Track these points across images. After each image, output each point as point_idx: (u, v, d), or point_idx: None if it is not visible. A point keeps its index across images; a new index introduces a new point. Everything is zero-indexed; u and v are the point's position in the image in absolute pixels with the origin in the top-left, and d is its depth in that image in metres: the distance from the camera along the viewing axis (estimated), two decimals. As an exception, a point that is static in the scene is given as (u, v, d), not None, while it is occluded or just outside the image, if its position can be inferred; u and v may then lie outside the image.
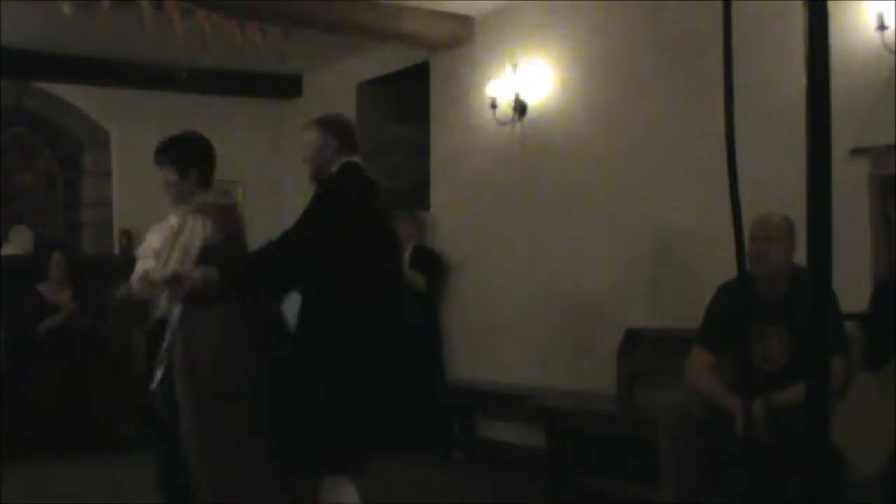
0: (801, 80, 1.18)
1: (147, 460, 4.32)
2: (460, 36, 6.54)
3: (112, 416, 6.79)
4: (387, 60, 7.32)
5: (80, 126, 7.94)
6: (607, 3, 5.58)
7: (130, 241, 7.87)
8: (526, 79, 6.03)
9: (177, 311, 3.66)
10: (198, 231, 3.62)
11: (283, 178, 8.21)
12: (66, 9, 5.53)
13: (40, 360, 6.61)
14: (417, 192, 7.18)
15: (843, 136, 3.85)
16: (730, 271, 3.33)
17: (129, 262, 7.76)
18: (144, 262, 3.85)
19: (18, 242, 7.50)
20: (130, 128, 7.96)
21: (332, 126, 3.90)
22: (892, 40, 4.15)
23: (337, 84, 7.92)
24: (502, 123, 6.14)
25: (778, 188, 3.95)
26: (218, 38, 5.88)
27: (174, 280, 3.54)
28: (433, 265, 6.61)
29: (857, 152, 4.19)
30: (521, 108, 6.03)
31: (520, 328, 6.13)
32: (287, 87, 8.39)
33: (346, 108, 7.76)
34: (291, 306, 3.80)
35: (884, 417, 3.07)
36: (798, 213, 1.28)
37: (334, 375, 3.56)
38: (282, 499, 3.62)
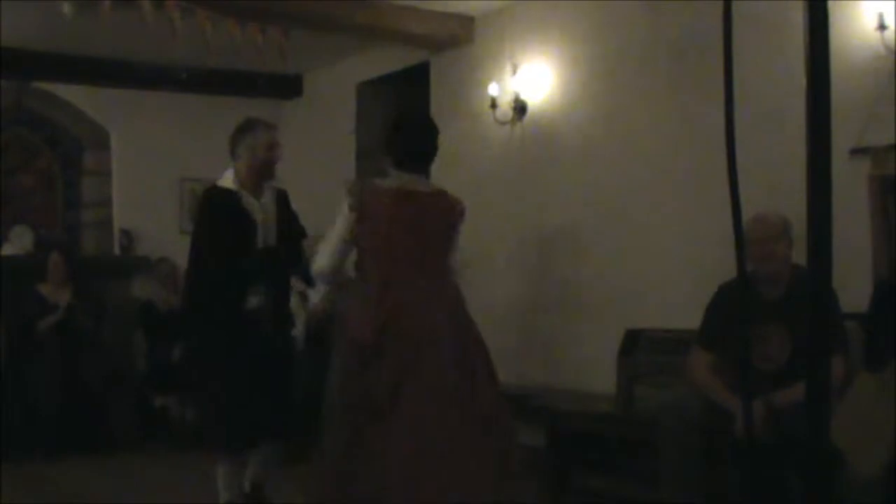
0: (801, 80, 1.18)
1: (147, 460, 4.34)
2: (460, 36, 6.53)
3: (112, 416, 6.80)
4: (387, 60, 7.32)
5: (80, 126, 7.93)
6: (607, 3, 5.58)
7: (130, 241, 7.88)
8: (526, 79, 6.03)
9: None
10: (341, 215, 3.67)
11: (282, 177, 8.19)
12: (66, 9, 5.54)
13: (40, 359, 6.61)
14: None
15: (843, 136, 3.85)
16: (729, 271, 3.33)
17: (129, 261, 7.82)
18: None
19: (18, 242, 7.50)
20: (130, 128, 7.97)
21: None
22: (892, 40, 4.15)
23: (337, 84, 7.92)
24: (502, 123, 6.13)
25: (778, 188, 3.95)
26: (218, 38, 5.88)
27: None
28: None
29: (857, 152, 4.19)
30: (521, 108, 6.03)
31: (520, 328, 6.13)
32: (287, 87, 8.39)
33: (346, 108, 7.77)
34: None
35: (884, 417, 3.07)
36: (798, 213, 1.28)
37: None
38: None
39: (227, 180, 4.29)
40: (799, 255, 3.60)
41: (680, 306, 4.85)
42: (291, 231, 4.44)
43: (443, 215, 3.74)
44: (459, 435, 3.39)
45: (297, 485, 4.65)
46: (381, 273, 3.55)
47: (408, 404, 3.33)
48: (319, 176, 8.09)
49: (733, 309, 3.66)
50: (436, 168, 6.92)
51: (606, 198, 5.57)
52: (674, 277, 5.13)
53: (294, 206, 4.68)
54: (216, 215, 4.22)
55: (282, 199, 4.46)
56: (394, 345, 3.42)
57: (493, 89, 6.14)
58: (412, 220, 3.63)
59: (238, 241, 4.16)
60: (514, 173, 6.19)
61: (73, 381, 6.63)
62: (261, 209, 4.28)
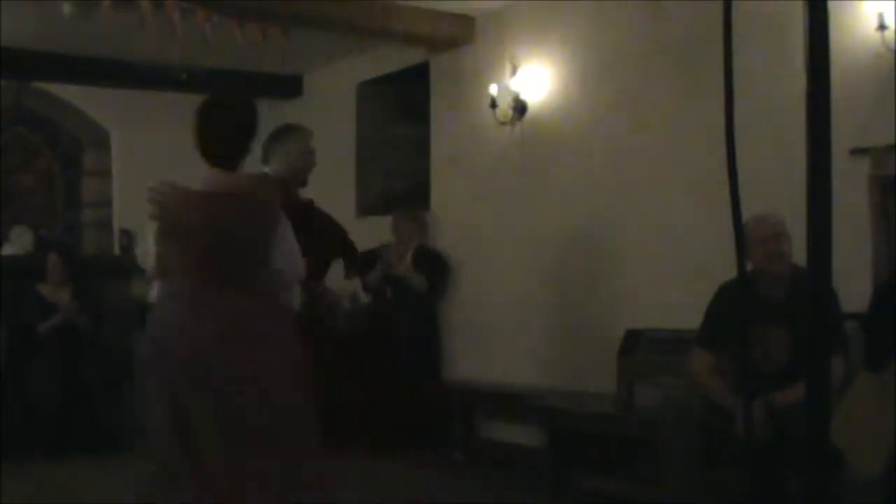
0: (801, 80, 1.18)
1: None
2: (460, 36, 6.53)
3: (112, 416, 6.80)
4: (387, 60, 7.32)
5: (80, 126, 7.93)
6: (607, 3, 5.58)
7: (130, 241, 7.87)
8: (526, 79, 6.03)
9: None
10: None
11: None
12: (66, 9, 5.54)
13: (40, 360, 6.62)
14: (417, 192, 7.19)
15: (843, 136, 3.85)
16: (730, 271, 3.33)
17: (129, 262, 7.81)
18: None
19: (18, 242, 7.50)
20: (130, 128, 7.96)
21: None
22: (892, 40, 4.15)
23: (337, 84, 7.92)
24: (502, 123, 6.13)
25: (778, 188, 3.95)
26: (218, 38, 5.88)
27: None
28: (438, 266, 6.60)
29: (857, 152, 4.19)
30: (521, 108, 6.03)
31: (520, 328, 6.13)
32: (287, 87, 8.39)
33: (346, 108, 7.77)
34: None
35: (884, 417, 3.07)
36: (798, 213, 1.28)
37: None
38: None
39: None
40: (799, 255, 3.60)
41: (680, 306, 4.85)
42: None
43: (243, 220, 3.19)
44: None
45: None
46: (165, 286, 3.18)
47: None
48: (319, 176, 8.08)
49: (733, 309, 3.66)
50: (435, 168, 6.98)
51: (606, 198, 5.57)
52: (674, 277, 5.12)
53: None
54: None
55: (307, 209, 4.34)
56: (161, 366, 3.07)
57: (493, 89, 6.14)
58: (199, 228, 3.12)
59: None
60: (513, 173, 6.19)
61: (73, 381, 6.63)
62: None
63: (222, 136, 3.19)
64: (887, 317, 3.34)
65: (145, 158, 7.94)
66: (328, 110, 7.99)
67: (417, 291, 6.49)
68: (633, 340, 5.11)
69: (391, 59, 7.25)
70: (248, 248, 3.15)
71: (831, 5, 1.17)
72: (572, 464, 5.08)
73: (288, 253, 3.22)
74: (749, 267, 3.78)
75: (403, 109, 7.69)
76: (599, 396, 5.25)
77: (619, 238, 5.48)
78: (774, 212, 3.76)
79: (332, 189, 7.86)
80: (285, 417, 3.06)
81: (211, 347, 3.01)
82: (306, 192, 4.53)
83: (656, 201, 5.28)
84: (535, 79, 6.00)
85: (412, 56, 6.99)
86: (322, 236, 4.24)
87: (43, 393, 6.51)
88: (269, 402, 3.04)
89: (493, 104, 6.13)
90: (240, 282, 3.11)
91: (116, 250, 7.90)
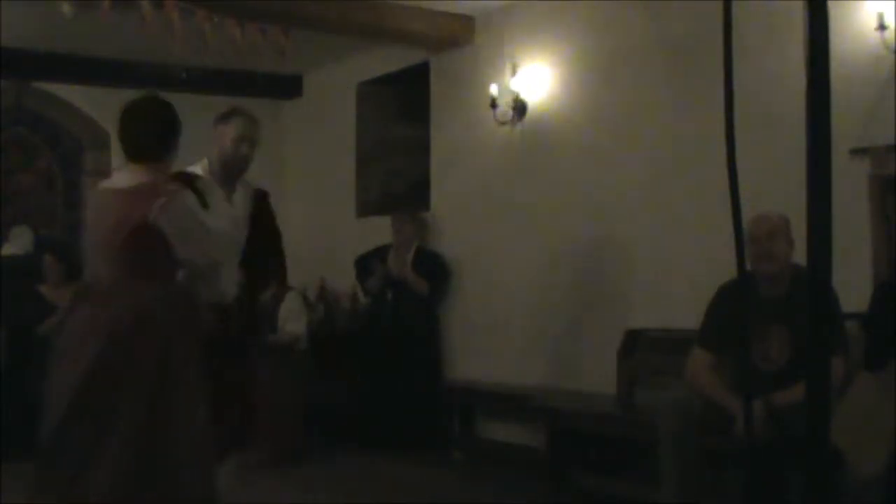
0: (801, 80, 1.18)
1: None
2: (460, 36, 6.54)
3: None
4: (387, 60, 7.32)
5: (80, 126, 7.94)
6: (607, 3, 5.58)
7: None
8: (526, 79, 6.03)
9: None
10: None
11: (283, 177, 8.21)
12: (66, 9, 5.53)
13: (40, 359, 6.60)
14: (417, 192, 7.19)
15: (843, 136, 3.85)
16: (729, 271, 3.33)
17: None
18: None
19: (18, 242, 7.49)
20: (130, 128, 7.96)
21: None
22: (892, 40, 4.15)
23: (337, 84, 7.92)
24: (502, 123, 6.14)
25: (778, 188, 3.95)
26: (218, 38, 5.88)
27: None
28: (437, 268, 6.60)
29: (857, 152, 4.19)
30: (521, 108, 6.03)
31: (520, 328, 6.13)
32: (287, 87, 8.39)
33: (346, 108, 7.77)
34: None
35: (884, 417, 3.07)
36: (798, 213, 1.28)
37: None
38: None
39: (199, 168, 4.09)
40: (799, 255, 3.60)
41: (680, 306, 4.85)
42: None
43: (123, 216, 3.09)
44: None
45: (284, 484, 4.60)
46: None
47: None
48: (319, 176, 8.09)
49: (733, 309, 3.66)
50: (435, 168, 6.98)
51: (606, 197, 5.57)
52: (674, 277, 5.13)
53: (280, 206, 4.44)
54: None
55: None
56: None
57: (493, 89, 6.14)
58: (92, 225, 3.27)
59: None
60: (513, 173, 6.19)
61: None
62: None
63: (146, 134, 3.42)
64: (887, 317, 3.34)
65: (145, 158, 7.95)
66: (328, 110, 8.00)
67: (418, 294, 6.50)
68: (633, 340, 5.11)
69: (391, 59, 7.25)
70: (127, 244, 3.08)
71: (831, 5, 1.17)
72: (572, 464, 5.08)
73: (183, 238, 3.10)
74: (749, 267, 3.78)
75: (403, 109, 7.70)
76: (599, 396, 5.25)
77: (619, 237, 5.48)
78: (776, 212, 3.76)
79: (332, 189, 7.87)
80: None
81: (123, 340, 3.05)
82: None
83: (656, 201, 5.28)
84: (535, 79, 6.00)
85: (412, 56, 6.99)
86: (265, 233, 4.08)
87: (42, 393, 6.50)
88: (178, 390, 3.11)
89: (493, 104, 6.13)
90: (141, 273, 3.11)
91: (116, 250, 7.90)
